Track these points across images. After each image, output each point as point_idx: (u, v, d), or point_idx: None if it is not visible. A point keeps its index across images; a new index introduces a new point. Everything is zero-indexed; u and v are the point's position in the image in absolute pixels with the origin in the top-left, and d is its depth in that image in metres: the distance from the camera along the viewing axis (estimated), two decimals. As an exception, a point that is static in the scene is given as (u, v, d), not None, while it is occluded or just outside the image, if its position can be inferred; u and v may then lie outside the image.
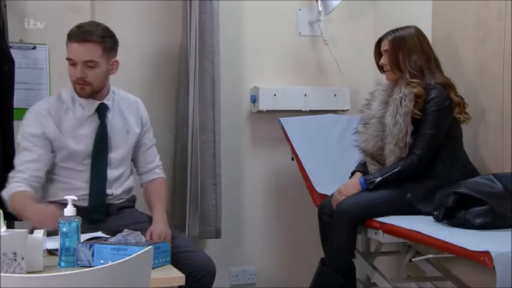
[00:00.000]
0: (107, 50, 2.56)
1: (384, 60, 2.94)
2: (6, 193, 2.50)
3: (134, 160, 2.80)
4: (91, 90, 2.57)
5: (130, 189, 2.76)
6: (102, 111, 2.64)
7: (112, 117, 2.66)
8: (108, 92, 2.67)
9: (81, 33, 2.51)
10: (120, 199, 2.68)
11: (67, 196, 2.03)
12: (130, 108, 2.75)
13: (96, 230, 2.36)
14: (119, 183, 2.67)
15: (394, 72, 2.91)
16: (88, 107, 2.62)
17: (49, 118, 2.58)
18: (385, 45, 2.94)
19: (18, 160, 2.56)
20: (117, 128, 2.66)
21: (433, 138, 2.79)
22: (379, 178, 2.80)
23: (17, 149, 2.67)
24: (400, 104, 2.79)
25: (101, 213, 2.58)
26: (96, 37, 2.52)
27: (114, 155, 2.65)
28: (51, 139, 2.57)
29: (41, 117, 2.58)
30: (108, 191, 2.62)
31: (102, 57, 2.54)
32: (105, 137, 2.63)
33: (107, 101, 2.64)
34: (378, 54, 3.01)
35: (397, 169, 2.79)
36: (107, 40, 2.55)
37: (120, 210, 2.67)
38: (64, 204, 2.44)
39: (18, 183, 2.50)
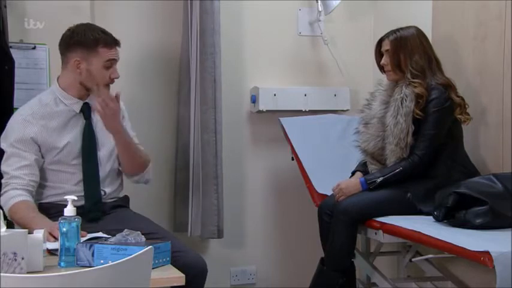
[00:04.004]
0: None
1: (385, 60, 2.93)
2: (5, 202, 2.48)
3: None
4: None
5: (120, 187, 2.77)
6: (86, 110, 2.65)
7: (97, 116, 2.64)
8: None
9: (115, 38, 2.63)
10: (112, 198, 2.69)
11: (67, 196, 2.02)
12: None
13: (96, 230, 2.36)
14: (110, 180, 2.68)
15: (395, 72, 2.90)
16: (72, 107, 2.63)
17: (34, 122, 2.57)
18: (386, 46, 2.93)
19: (9, 167, 2.53)
20: (101, 125, 2.65)
21: (434, 139, 2.79)
22: (381, 178, 2.80)
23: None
24: (401, 104, 2.79)
25: (99, 212, 2.59)
26: None
27: (102, 153, 2.66)
28: (39, 143, 2.56)
29: (26, 122, 2.57)
30: (101, 190, 2.63)
31: None
32: (93, 136, 2.64)
33: (89, 100, 2.65)
34: (378, 54, 3.00)
35: (398, 170, 2.79)
36: None
37: (113, 209, 2.67)
38: (57, 205, 2.45)
39: (17, 191, 2.48)
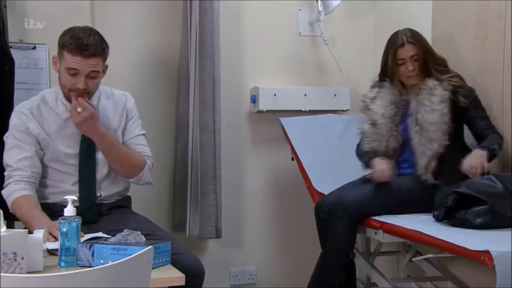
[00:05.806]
0: (105, 59, 2.57)
1: (412, 65, 2.84)
2: (8, 195, 2.49)
3: None
4: (87, 97, 2.56)
5: (123, 191, 2.73)
6: None
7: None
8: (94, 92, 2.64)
9: (84, 47, 2.46)
10: (111, 199, 2.67)
11: (67, 196, 2.02)
12: (117, 106, 2.71)
13: (94, 230, 2.36)
14: (108, 182, 2.65)
15: (422, 75, 2.87)
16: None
17: (32, 118, 2.57)
18: (410, 51, 2.84)
19: (11, 159, 2.54)
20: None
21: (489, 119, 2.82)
22: (495, 146, 2.71)
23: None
24: (432, 94, 2.79)
25: (93, 215, 2.56)
26: (99, 50, 2.50)
27: (100, 155, 2.61)
28: (37, 137, 2.56)
29: (24, 116, 2.57)
30: (97, 193, 2.61)
31: (102, 66, 2.56)
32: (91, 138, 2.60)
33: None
34: (394, 62, 2.88)
35: (499, 138, 2.76)
36: (106, 51, 2.56)
37: (112, 209, 2.65)
38: (58, 205, 2.45)
39: (20, 184, 2.48)
